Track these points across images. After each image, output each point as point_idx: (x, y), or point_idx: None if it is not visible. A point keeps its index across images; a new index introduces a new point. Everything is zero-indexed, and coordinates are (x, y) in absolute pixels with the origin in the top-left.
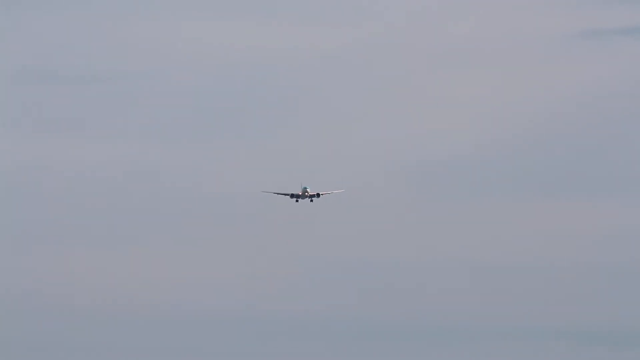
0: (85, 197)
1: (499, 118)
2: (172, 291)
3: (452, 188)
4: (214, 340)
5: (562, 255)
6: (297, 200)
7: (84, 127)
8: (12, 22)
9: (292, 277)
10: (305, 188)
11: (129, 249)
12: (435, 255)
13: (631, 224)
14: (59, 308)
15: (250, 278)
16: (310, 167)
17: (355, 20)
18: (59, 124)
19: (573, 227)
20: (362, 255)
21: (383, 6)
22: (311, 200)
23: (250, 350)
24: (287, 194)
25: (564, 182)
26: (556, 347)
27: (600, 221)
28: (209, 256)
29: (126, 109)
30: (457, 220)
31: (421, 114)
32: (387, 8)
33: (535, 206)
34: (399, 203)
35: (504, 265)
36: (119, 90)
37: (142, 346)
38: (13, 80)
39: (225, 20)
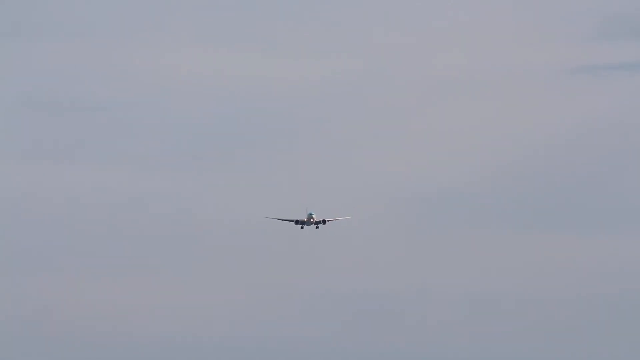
0: (84, 223)
1: (495, 151)
2: (167, 319)
3: (450, 218)
4: None
5: (564, 288)
6: (302, 227)
7: (84, 155)
8: (11, 51)
9: (292, 306)
10: (311, 214)
11: (128, 276)
12: (437, 286)
13: (629, 258)
14: (50, 335)
15: (250, 307)
16: (311, 194)
17: (355, 50)
18: (57, 152)
19: (571, 260)
20: (363, 285)
21: (384, 37)
22: (317, 227)
23: None
24: (292, 220)
25: (562, 214)
26: None
27: (600, 254)
28: (208, 284)
29: (126, 137)
30: (456, 251)
31: (419, 145)
32: (388, 39)
33: (536, 238)
34: (398, 233)
35: (507, 296)
36: (117, 119)
37: None
38: (12, 108)
39: (227, 50)
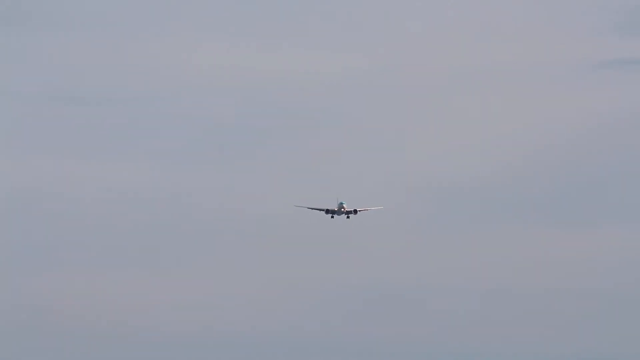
0: (102, 217)
1: (517, 144)
2: (192, 313)
3: (468, 211)
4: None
5: (576, 282)
6: (332, 216)
7: (104, 148)
8: (26, 45)
9: (317, 297)
10: (342, 203)
11: (149, 270)
12: (462, 278)
13: None
14: (62, 329)
15: (276, 297)
16: (344, 185)
17: (377, 42)
18: (74, 145)
19: (586, 254)
20: (388, 276)
21: (405, 31)
22: (347, 217)
23: None
24: (322, 209)
25: (582, 210)
26: None
27: (616, 249)
28: (235, 275)
29: (147, 130)
30: (481, 244)
31: (445, 138)
32: (410, 32)
33: (559, 232)
34: (425, 224)
35: (530, 290)
36: (134, 112)
37: None
38: (27, 102)
39: (248, 43)
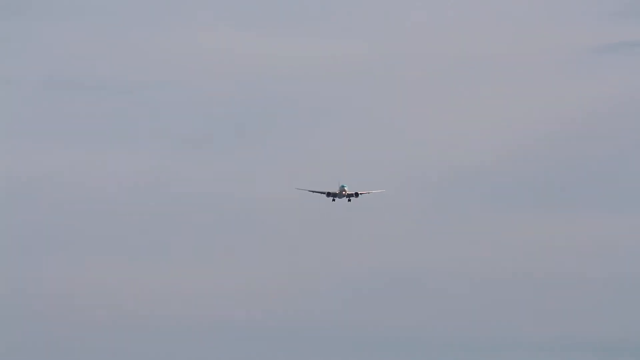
0: (106, 205)
1: (518, 129)
2: (196, 300)
3: (468, 198)
4: (245, 347)
5: (579, 267)
6: (333, 200)
7: (107, 136)
8: (30, 33)
9: (321, 280)
10: (343, 186)
11: (152, 257)
12: (463, 262)
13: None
14: (69, 316)
15: (276, 281)
16: (346, 168)
17: (379, 29)
18: (79, 133)
19: (589, 239)
20: (389, 260)
21: (406, 16)
22: (349, 200)
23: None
24: (324, 192)
25: (581, 193)
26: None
27: (619, 234)
28: (235, 263)
29: (149, 117)
30: (470, 228)
31: (443, 124)
32: (412, 18)
33: (555, 216)
34: (427, 208)
35: (539, 275)
36: (138, 100)
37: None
38: (32, 89)
39: (249, 30)
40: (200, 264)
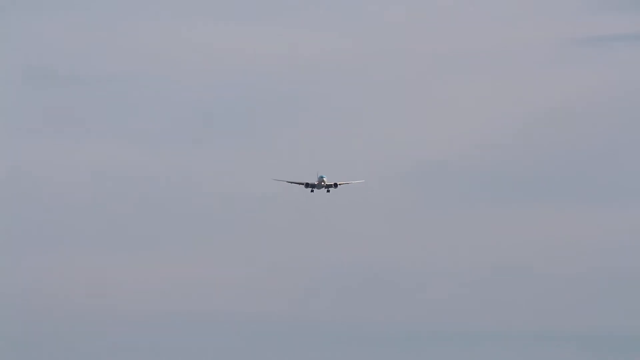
0: (88, 198)
1: (497, 122)
2: (176, 293)
3: (449, 190)
4: (222, 341)
5: (561, 259)
6: (312, 190)
7: (89, 128)
8: (15, 23)
9: (299, 277)
10: (322, 177)
11: (134, 250)
12: (441, 256)
13: (630, 229)
14: (58, 311)
15: (255, 278)
16: (325, 160)
17: (357, 23)
18: (61, 125)
19: (569, 231)
20: (368, 253)
21: (385, 10)
22: (328, 191)
23: (261, 352)
24: (302, 183)
25: (563, 186)
26: (552, 351)
27: (599, 226)
28: (217, 255)
29: (129, 111)
30: (453, 223)
31: (421, 116)
32: (392, 11)
33: (535, 209)
34: (396, 203)
35: (513, 270)
36: (120, 92)
37: (149, 348)
38: (15, 80)
39: (229, 23)
40: (178, 257)
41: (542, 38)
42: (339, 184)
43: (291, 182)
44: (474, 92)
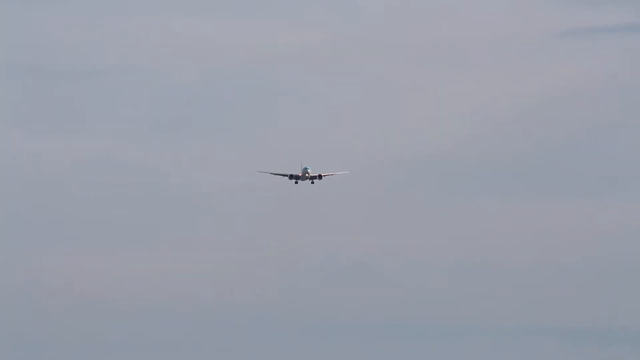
0: (79, 191)
1: (481, 115)
2: (157, 284)
3: (434, 181)
4: (212, 334)
5: (554, 253)
6: (296, 182)
7: (80, 122)
8: (7, 18)
9: (284, 270)
10: (306, 168)
11: (125, 245)
12: (425, 247)
13: (624, 221)
14: (57, 306)
15: (239, 270)
16: (308, 151)
17: (340, 14)
18: (53, 119)
19: (561, 224)
20: (352, 245)
21: (367, 1)
22: (312, 182)
23: (251, 345)
24: (286, 175)
25: (547, 178)
26: (550, 345)
27: (588, 217)
28: (197, 247)
29: (118, 103)
30: (439, 214)
31: (405, 107)
32: (370, 3)
33: (518, 202)
34: (380, 194)
35: (498, 262)
36: (110, 85)
37: (141, 343)
38: (6, 75)
39: (211, 17)
40: (161, 249)
41: (524, 30)
42: (324, 175)
43: (275, 174)
44: (459, 85)
